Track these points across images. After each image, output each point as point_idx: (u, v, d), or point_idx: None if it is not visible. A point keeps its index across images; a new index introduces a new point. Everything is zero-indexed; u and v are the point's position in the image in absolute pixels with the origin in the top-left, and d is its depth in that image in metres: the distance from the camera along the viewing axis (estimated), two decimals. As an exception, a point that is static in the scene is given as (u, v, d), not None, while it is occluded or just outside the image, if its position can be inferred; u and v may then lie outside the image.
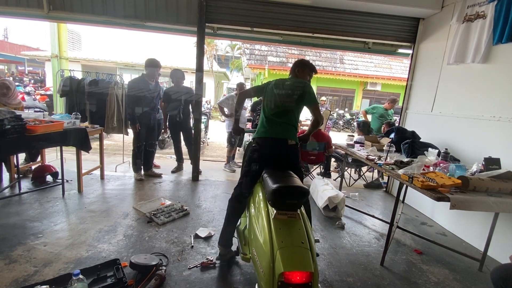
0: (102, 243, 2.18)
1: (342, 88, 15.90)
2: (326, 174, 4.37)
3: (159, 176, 3.93)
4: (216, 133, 8.38)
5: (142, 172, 3.82)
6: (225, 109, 4.62)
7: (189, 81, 16.05)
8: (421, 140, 2.99)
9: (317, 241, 1.90)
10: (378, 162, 2.51)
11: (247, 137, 5.09)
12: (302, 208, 1.58)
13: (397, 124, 4.13)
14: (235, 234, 2.05)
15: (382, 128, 4.59)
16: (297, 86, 1.99)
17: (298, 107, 2.02)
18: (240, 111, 2.30)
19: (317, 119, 2.02)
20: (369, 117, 5.35)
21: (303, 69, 2.11)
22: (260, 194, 1.70)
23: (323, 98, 9.13)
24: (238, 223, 2.09)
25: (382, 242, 2.56)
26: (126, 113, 4.04)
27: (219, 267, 1.99)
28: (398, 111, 4.74)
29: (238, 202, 1.94)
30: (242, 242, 1.93)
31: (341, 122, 13.25)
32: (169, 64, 13.30)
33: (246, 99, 2.30)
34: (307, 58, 14.64)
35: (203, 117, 5.93)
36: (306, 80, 2.13)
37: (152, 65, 3.55)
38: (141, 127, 3.57)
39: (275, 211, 1.43)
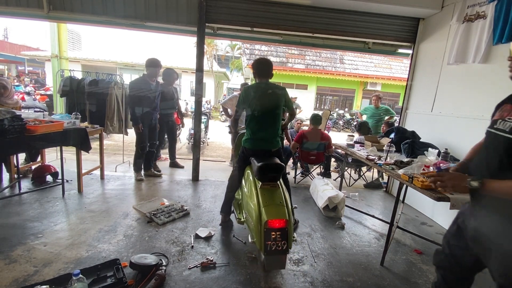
0: (102, 243, 2.18)
1: (342, 88, 15.91)
2: (326, 174, 4.37)
3: (159, 176, 3.93)
4: (216, 133, 8.37)
5: (143, 172, 3.81)
6: (229, 110, 4.60)
7: (189, 81, 16.10)
8: (421, 140, 2.98)
9: (295, 207, 2.61)
10: (378, 162, 2.51)
11: None
12: (281, 180, 2.13)
13: (397, 124, 4.13)
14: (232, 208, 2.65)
15: (382, 128, 4.59)
16: (277, 95, 2.33)
17: (281, 113, 2.41)
18: (236, 128, 2.72)
19: (293, 114, 2.68)
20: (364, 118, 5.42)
21: (271, 67, 2.39)
22: (250, 173, 2.25)
23: (293, 96, 9.73)
24: (233, 200, 2.61)
25: (382, 242, 2.56)
26: (129, 113, 3.87)
27: (219, 267, 2.00)
28: (398, 111, 4.74)
29: (235, 181, 2.52)
30: (237, 211, 2.54)
31: (341, 122, 13.25)
32: (170, 64, 13.30)
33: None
34: (307, 58, 14.68)
35: (203, 117, 5.93)
36: (272, 74, 2.41)
37: (153, 65, 3.53)
38: (144, 127, 3.56)
39: (260, 183, 1.99)
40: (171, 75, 4.05)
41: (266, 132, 2.32)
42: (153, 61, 3.54)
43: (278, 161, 2.09)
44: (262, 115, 2.28)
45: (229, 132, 2.80)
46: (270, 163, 2.01)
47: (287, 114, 2.75)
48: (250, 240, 1.93)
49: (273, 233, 1.74)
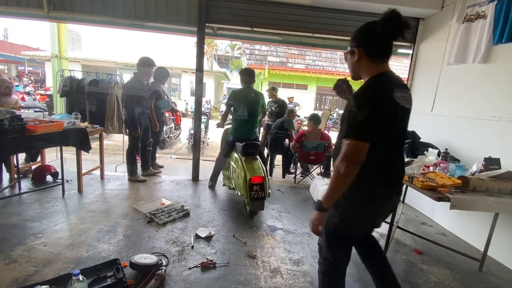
0: (102, 243, 2.18)
1: (342, 88, 15.86)
2: (326, 174, 4.37)
3: (159, 174, 3.93)
4: (216, 133, 8.36)
5: (141, 173, 3.79)
6: None
7: (189, 81, 16.08)
8: (421, 140, 2.99)
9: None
10: (378, 162, 2.50)
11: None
12: (258, 156, 2.99)
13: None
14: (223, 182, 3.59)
15: None
16: (258, 98, 3.19)
17: (259, 112, 3.27)
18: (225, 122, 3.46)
19: (264, 113, 3.67)
20: None
21: (254, 74, 3.26)
22: (235, 154, 3.09)
23: (290, 95, 9.87)
24: (219, 173, 3.56)
25: (382, 242, 2.55)
26: (127, 117, 3.63)
27: (219, 267, 2.00)
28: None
29: (221, 160, 3.39)
30: (228, 182, 3.37)
31: (341, 122, 13.23)
32: (170, 64, 13.32)
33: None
34: (307, 58, 14.68)
35: (203, 117, 5.92)
36: (254, 81, 3.28)
37: (148, 64, 3.52)
38: (140, 129, 3.55)
39: (244, 157, 2.86)
40: (166, 75, 4.01)
41: (248, 125, 3.15)
42: (147, 61, 3.52)
43: (255, 142, 3.00)
44: (245, 112, 3.10)
45: (217, 127, 3.45)
46: (250, 143, 2.91)
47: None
48: (238, 194, 2.91)
49: (255, 186, 2.61)
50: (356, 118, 1.09)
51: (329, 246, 1.36)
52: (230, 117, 3.37)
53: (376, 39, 1.17)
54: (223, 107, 4.99)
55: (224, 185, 3.52)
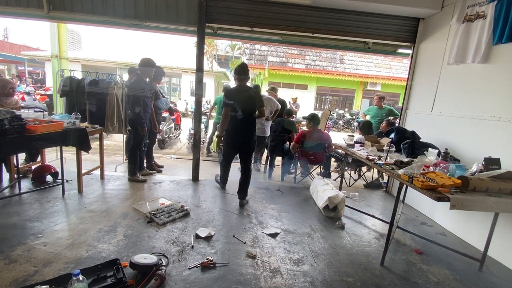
0: (102, 243, 2.17)
1: (342, 88, 15.89)
2: (326, 174, 4.37)
3: (154, 173, 3.95)
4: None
5: (138, 174, 3.79)
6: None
7: (189, 81, 16.07)
8: (421, 140, 2.98)
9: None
10: (378, 162, 2.51)
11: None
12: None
13: (397, 124, 4.13)
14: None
15: (381, 126, 4.58)
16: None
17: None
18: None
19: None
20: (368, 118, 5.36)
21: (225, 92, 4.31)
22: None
23: (295, 96, 9.71)
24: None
25: (382, 242, 2.56)
26: (134, 116, 3.51)
27: (219, 267, 2.00)
28: (398, 111, 4.73)
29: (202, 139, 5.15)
30: (212, 149, 5.46)
31: (341, 122, 13.24)
32: (170, 64, 13.31)
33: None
34: (307, 58, 14.70)
35: (203, 117, 5.91)
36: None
37: (149, 64, 3.54)
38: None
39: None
40: (162, 74, 4.03)
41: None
42: (149, 61, 3.53)
43: None
44: (220, 110, 4.57)
45: (208, 118, 4.87)
46: None
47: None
48: (218, 150, 4.08)
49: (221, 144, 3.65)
50: (225, 100, 3.04)
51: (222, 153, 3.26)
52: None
53: (235, 72, 2.95)
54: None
55: (214, 150, 5.44)
